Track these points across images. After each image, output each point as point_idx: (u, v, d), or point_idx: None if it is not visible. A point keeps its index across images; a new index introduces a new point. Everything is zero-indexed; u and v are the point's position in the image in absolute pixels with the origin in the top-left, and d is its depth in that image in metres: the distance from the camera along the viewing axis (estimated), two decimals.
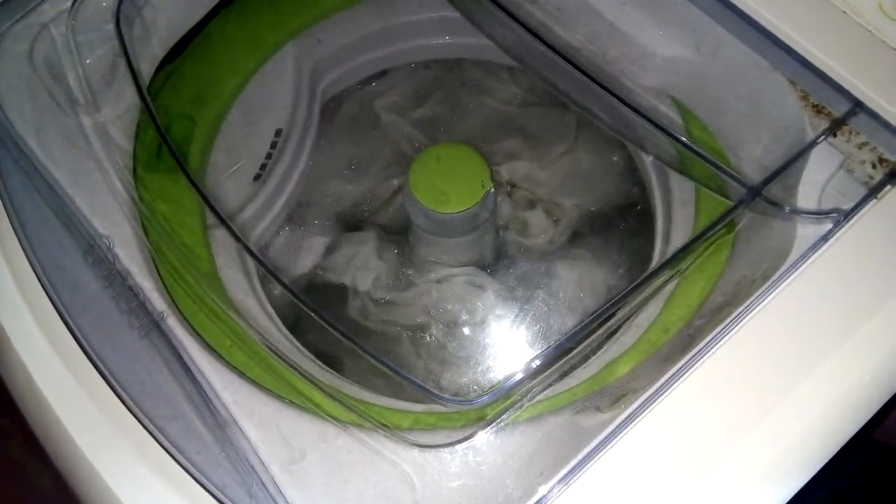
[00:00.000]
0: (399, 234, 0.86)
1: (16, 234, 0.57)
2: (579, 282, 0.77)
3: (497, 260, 0.82)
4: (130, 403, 0.52)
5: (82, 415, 0.52)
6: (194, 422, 0.53)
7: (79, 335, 0.54)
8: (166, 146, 0.61)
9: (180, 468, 0.51)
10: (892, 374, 0.49)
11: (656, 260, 0.72)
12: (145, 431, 0.52)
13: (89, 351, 0.54)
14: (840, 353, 0.48)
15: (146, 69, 0.68)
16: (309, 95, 0.87)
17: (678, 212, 0.71)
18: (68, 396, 0.53)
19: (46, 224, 0.59)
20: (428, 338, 0.76)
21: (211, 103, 0.77)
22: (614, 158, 0.87)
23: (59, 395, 0.53)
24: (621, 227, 0.83)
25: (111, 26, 0.64)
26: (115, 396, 0.52)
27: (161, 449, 0.51)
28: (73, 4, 0.63)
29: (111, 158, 0.61)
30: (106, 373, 0.53)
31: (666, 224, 0.74)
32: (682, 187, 0.72)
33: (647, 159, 0.77)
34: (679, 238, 0.70)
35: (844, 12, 0.56)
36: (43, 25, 0.64)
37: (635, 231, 0.81)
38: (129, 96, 0.65)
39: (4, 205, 0.58)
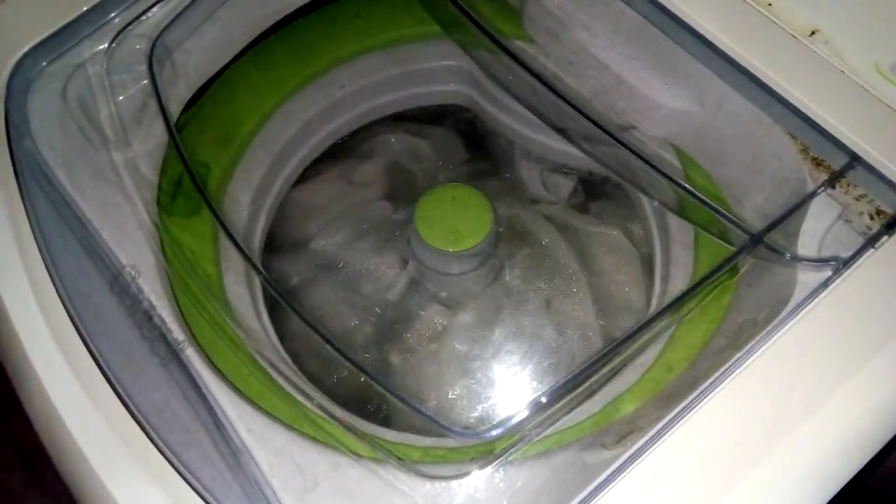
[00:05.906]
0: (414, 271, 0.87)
1: (44, 262, 0.59)
2: (580, 321, 0.79)
3: (499, 297, 0.83)
4: (148, 429, 0.53)
5: (100, 439, 0.53)
6: (209, 449, 0.54)
7: (100, 360, 0.56)
8: (194, 184, 0.63)
9: (195, 493, 0.52)
10: (888, 420, 0.50)
11: (655, 301, 0.74)
12: (161, 457, 0.53)
13: (110, 376, 0.55)
14: (838, 397, 0.49)
15: (174, 109, 0.71)
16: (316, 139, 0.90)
17: (678, 255, 0.73)
18: (87, 420, 0.54)
19: (73, 254, 0.61)
20: (438, 371, 0.77)
21: (228, 146, 0.79)
22: (616, 201, 0.89)
23: (77, 418, 0.54)
24: (621, 268, 0.84)
25: (143, 67, 0.66)
26: (133, 422, 0.54)
27: (176, 474, 0.52)
28: (109, 46, 0.66)
29: (140, 192, 0.63)
30: (125, 398, 0.54)
31: (665, 267, 0.75)
32: (681, 231, 0.74)
33: (652, 204, 0.78)
34: (679, 280, 0.72)
35: (843, 72, 0.59)
36: (77, 65, 0.66)
37: (635, 273, 0.83)
38: (158, 134, 0.67)
39: (34, 234, 0.60)
